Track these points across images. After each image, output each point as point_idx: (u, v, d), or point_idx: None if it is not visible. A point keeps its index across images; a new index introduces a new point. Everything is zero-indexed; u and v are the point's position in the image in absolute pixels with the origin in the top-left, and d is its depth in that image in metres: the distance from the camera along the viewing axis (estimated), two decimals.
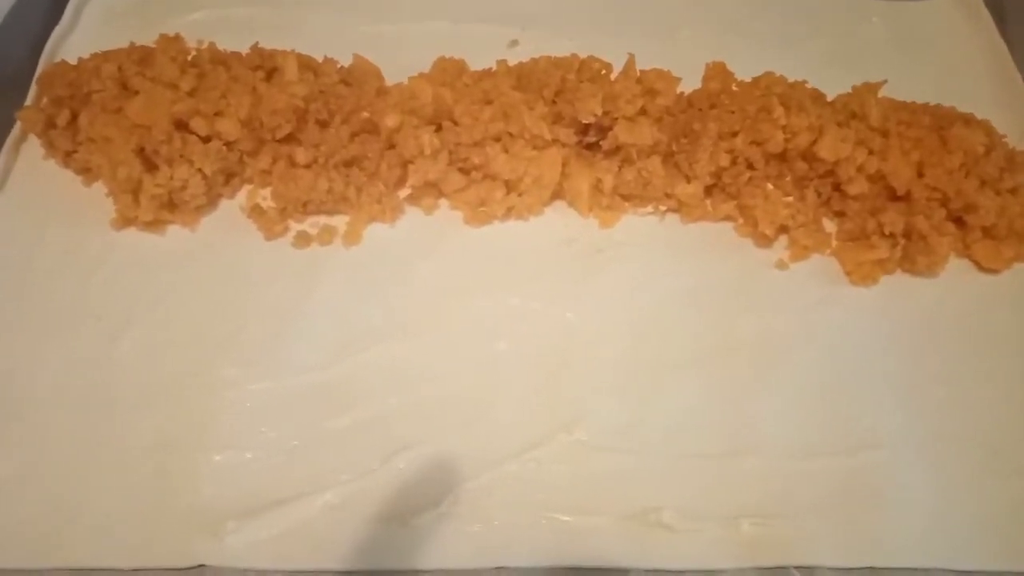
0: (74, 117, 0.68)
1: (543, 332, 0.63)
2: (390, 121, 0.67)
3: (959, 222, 0.68)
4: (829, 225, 0.69)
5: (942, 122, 0.70)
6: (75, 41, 0.79)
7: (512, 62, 0.73)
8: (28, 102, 0.73)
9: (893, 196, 0.67)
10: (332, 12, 0.82)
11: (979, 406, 0.61)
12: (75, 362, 0.61)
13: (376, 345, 0.62)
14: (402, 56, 0.74)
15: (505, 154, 0.67)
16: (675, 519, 0.55)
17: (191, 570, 0.54)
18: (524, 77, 0.71)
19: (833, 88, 0.72)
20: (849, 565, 0.54)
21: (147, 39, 0.74)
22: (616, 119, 0.67)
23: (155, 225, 0.67)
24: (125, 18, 0.81)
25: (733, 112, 0.68)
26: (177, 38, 0.74)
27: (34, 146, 0.72)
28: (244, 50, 0.73)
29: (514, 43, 0.79)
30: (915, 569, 0.54)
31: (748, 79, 0.72)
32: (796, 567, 0.54)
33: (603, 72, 0.70)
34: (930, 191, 0.66)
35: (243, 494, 0.55)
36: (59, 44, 0.78)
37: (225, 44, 0.74)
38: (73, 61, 0.72)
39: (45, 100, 0.71)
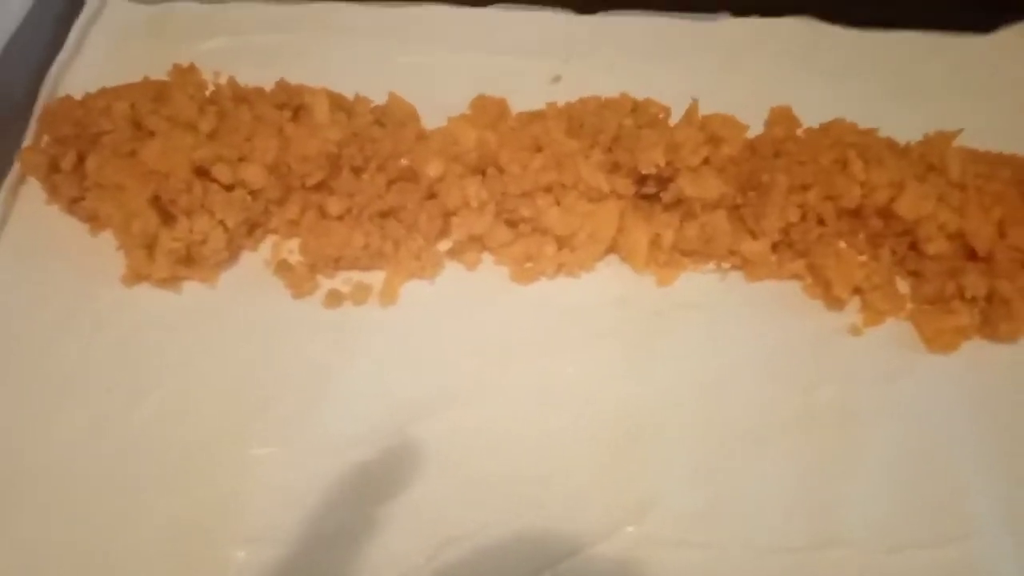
0: (81, 160, 0.61)
1: (602, 405, 0.58)
2: (432, 170, 0.61)
3: None
4: (903, 287, 0.64)
5: (1022, 175, 0.65)
6: (79, 70, 0.72)
7: (556, 99, 0.68)
8: (28, 140, 0.66)
9: (973, 256, 0.62)
10: (359, 41, 0.76)
11: None
12: (81, 438, 0.54)
13: (417, 420, 0.57)
14: (436, 91, 0.69)
15: (557, 207, 0.62)
16: None
17: None
18: (574, 120, 0.65)
19: (900, 131, 0.67)
20: None
21: (158, 68, 0.68)
22: (678, 169, 0.62)
23: (171, 281, 0.61)
24: (134, 45, 0.75)
25: (804, 163, 0.63)
26: (192, 70, 0.68)
27: (35, 189, 0.65)
28: (266, 83, 0.67)
29: (557, 79, 0.74)
30: None
31: (815, 123, 0.67)
32: None
33: (661, 116, 0.65)
34: (1013, 252, 0.62)
35: None
36: (62, 73, 0.71)
37: (245, 76, 0.68)
38: (77, 91, 0.66)
39: (47, 140, 0.64)
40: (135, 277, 0.60)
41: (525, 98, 0.69)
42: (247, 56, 0.73)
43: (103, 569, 0.50)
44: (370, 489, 0.54)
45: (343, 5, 0.78)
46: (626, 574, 0.52)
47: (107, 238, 0.63)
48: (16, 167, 0.65)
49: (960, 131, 0.66)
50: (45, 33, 0.72)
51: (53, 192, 0.63)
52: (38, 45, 0.71)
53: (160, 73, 0.68)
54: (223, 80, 0.67)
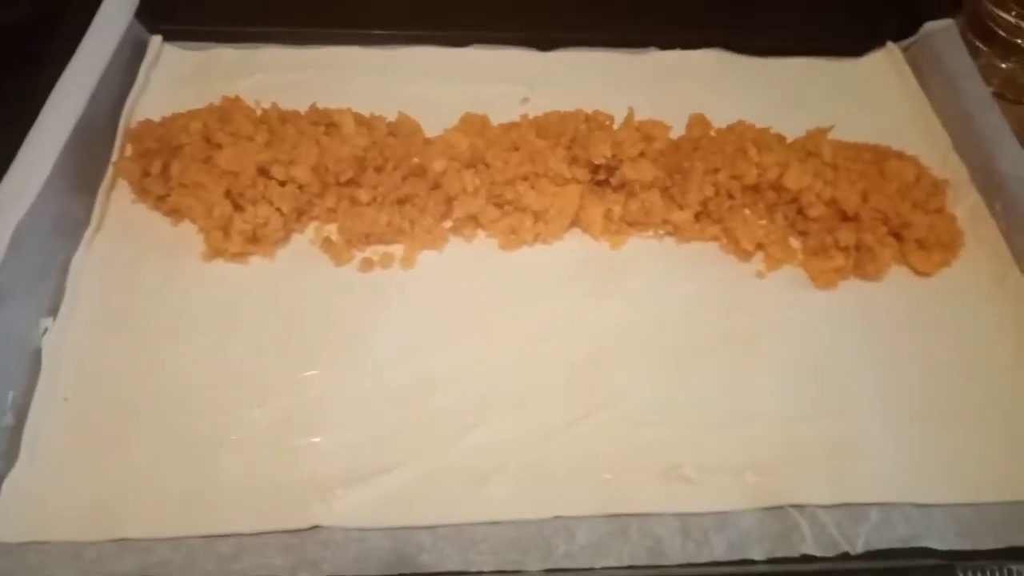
0: (165, 166, 0.80)
1: (575, 335, 0.76)
2: (438, 166, 0.80)
3: (898, 236, 0.83)
4: (795, 242, 0.85)
5: (879, 157, 0.86)
6: (147, 100, 0.90)
7: (528, 116, 0.88)
8: (115, 154, 0.84)
9: (845, 217, 0.83)
10: (368, 76, 0.95)
11: (922, 375, 0.76)
12: (190, 367, 0.72)
13: (437, 350, 0.75)
14: (432, 113, 0.88)
15: (533, 190, 0.81)
16: (694, 473, 0.68)
17: (307, 531, 0.65)
18: (542, 127, 0.85)
19: (791, 131, 0.88)
20: (832, 502, 0.68)
21: (208, 101, 0.86)
22: (622, 160, 0.82)
23: (240, 256, 0.79)
24: (187, 82, 0.93)
25: (715, 153, 0.83)
26: (238, 100, 0.86)
27: (122, 193, 0.83)
28: (299, 109, 0.86)
29: (525, 100, 0.94)
30: (883, 504, 0.68)
31: (723, 126, 0.88)
32: (791, 505, 0.68)
33: (607, 123, 0.85)
34: (874, 212, 0.82)
35: (347, 468, 0.67)
36: (136, 103, 0.89)
37: (280, 105, 0.86)
38: (147, 117, 0.84)
39: (131, 153, 0.82)
40: (213, 253, 0.78)
41: (501, 115, 0.89)
42: (279, 90, 0.90)
43: (218, 458, 0.67)
44: (403, 398, 0.72)
45: (354, 48, 0.99)
46: (600, 443, 0.70)
47: (185, 227, 0.81)
48: (109, 174, 0.83)
49: (832, 127, 0.88)
50: (115, 75, 0.90)
51: (143, 192, 0.81)
52: (111, 84, 0.89)
53: (213, 102, 0.86)
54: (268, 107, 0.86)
